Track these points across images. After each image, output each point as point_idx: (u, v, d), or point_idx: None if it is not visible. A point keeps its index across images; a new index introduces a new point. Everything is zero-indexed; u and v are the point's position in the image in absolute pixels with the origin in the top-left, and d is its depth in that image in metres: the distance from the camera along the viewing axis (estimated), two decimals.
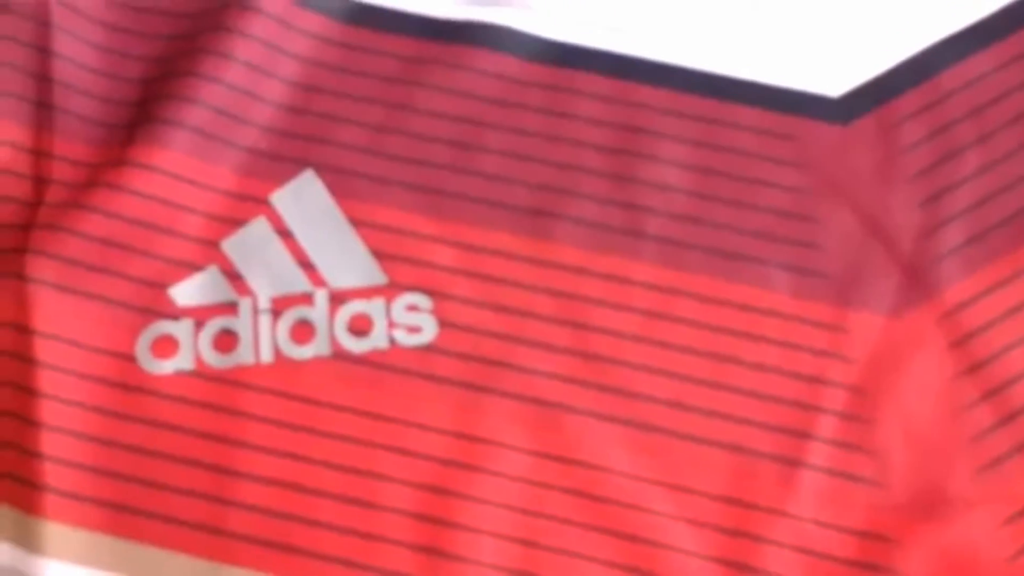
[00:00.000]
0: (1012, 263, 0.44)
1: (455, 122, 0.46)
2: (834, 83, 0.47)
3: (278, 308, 0.43)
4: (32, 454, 0.40)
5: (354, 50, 0.47)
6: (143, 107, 0.46)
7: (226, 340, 0.42)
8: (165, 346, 0.42)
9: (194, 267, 0.43)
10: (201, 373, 0.42)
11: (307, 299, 0.43)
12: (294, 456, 0.41)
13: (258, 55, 0.46)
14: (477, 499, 0.40)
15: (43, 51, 0.46)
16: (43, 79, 0.45)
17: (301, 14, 0.47)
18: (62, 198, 0.44)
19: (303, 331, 0.43)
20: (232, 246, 0.44)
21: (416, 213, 0.44)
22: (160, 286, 0.43)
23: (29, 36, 0.46)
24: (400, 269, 0.43)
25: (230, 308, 0.43)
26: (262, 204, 0.44)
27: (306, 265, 0.44)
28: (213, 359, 0.42)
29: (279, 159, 0.45)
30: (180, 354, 0.42)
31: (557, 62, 0.47)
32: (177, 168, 0.44)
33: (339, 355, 0.42)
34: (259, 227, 0.44)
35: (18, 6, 0.46)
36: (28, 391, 0.40)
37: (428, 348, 0.42)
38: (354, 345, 0.42)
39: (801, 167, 0.46)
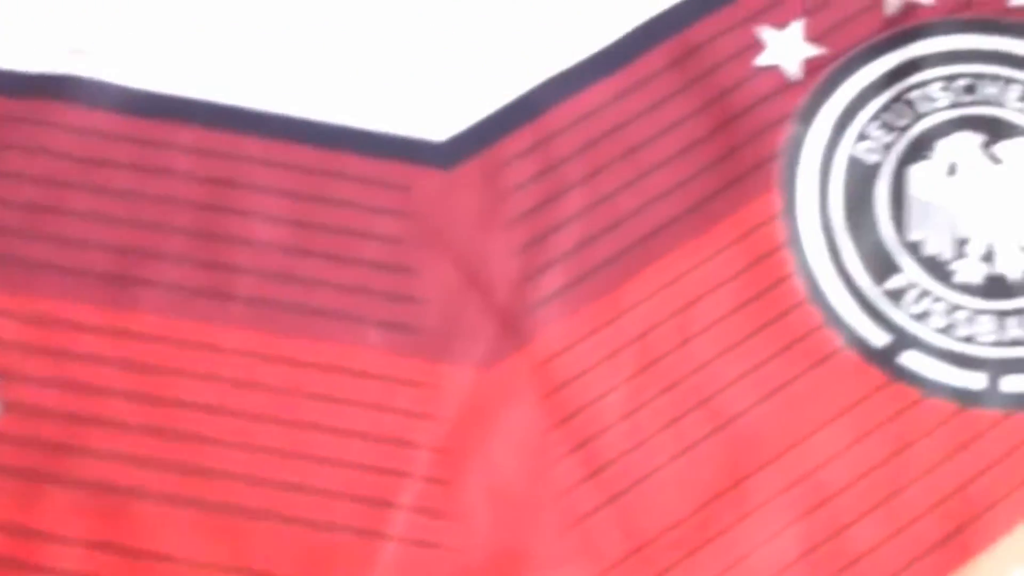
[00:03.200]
0: (609, 307, 0.43)
1: (34, 184, 0.44)
2: (441, 127, 0.46)
3: None
4: None
5: None
6: None
7: None
8: None
9: None
10: None
11: None
12: None
13: None
14: None
15: None
16: None
17: None
18: None
19: None
20: None
21: None
22: None
23: None
24: None
25: None
26: None
27: None
28: None
29: None
30: None
31: (150, 114, 0.45)
32: None
33: None
34: None
35: None
36: None
37: None
38: None
39: (402, 216, 0.44)
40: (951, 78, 0.46)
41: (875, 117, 0.45)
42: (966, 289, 0.43)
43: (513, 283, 0.43)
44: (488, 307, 0.43)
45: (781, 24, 0.47)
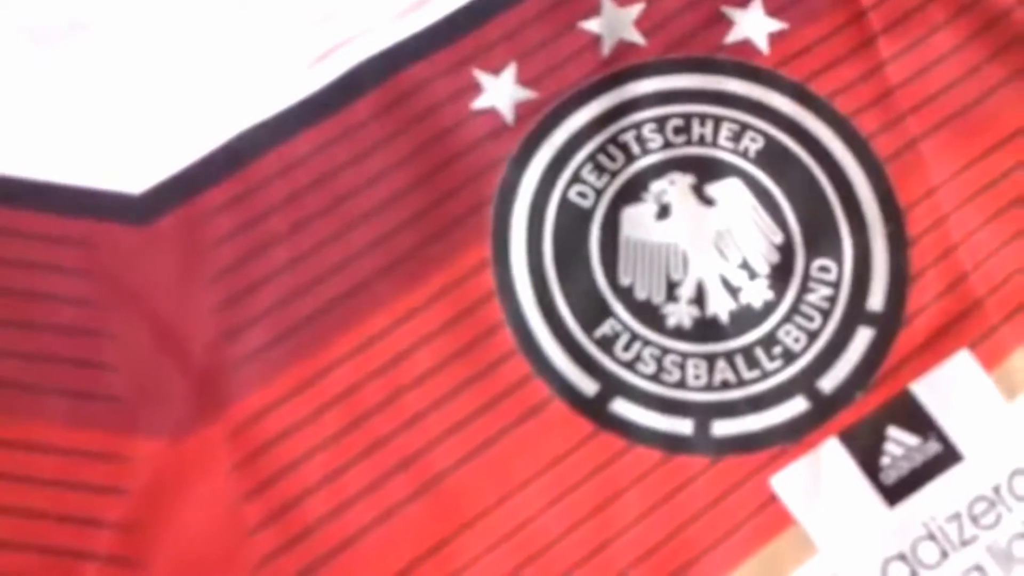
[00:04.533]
0: (313, 366, 0.41)
1: None
2: (137, 178, 0.43)
3: None
4: None
5: None
6: None
7: None
8: None
9: None
10: None
11: None
12: None
13: None
14: None
15: None
16: None
17: None
18: None
19: None
20: None
21: None
22: None
23: None
24: None
25: None
26: None
27: None
28: None
29: None
30: None
31: None
32: None
33: None
34: None
35: None
36: None
37: None
38: None
39: (93, 277, 0.42)
40: (664, 119, 0.45)
41: (588, 160, 0.45)
42: (677, 333, 0.43)
43: (211, 344, 0.41)
44: (184, 371, 0.41)
45: (496, 68, 0.46)
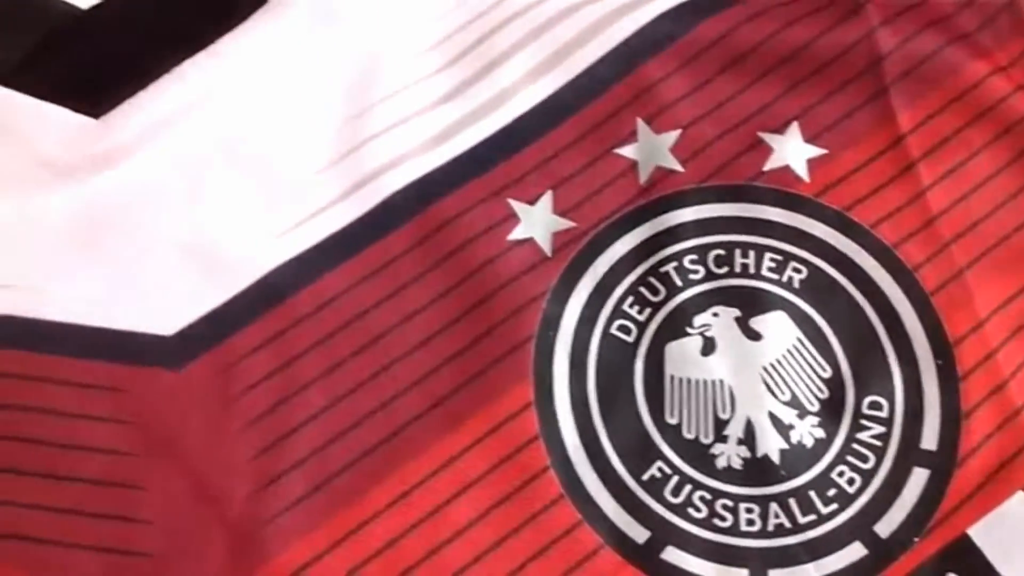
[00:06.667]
0: (352, 517, 0.40)
1: None
2: (169, 319, 0.42)
3: None
4: None
5: None
6: None
7: None
8: None
9: None
10: None
11: None
12: None
13: None
14: None
15: None
16: None
17: None
18: None
19: None
20: None
21: None
22: None
23: None
24: None
25: None
26: None
27: None
28: None
29: None
30: None
31: None
32: None
33: None
34: None
35: None
36: None
37: None
38: None
39: (126, 425, 0.41)
40: (705, 248, 0.45)
41: (630, 292, 0.44)
42: (728, 474, 0.41)
43: (248, 495, 0.40)
44: (221, 524, 0.39)
45: (531, 198, 0.45)
